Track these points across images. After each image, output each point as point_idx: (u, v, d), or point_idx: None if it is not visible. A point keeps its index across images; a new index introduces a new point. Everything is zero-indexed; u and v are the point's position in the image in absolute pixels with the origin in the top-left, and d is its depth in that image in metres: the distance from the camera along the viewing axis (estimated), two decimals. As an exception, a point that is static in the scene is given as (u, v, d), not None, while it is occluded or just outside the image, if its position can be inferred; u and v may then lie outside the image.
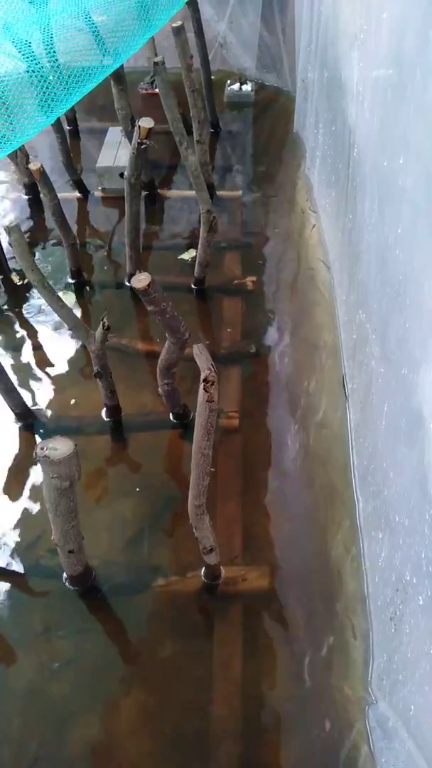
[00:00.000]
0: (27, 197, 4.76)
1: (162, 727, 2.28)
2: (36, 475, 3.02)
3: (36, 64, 2.41)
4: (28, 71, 2.38)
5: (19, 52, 2.49)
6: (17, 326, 3.82)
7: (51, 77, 2.47)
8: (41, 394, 3.41)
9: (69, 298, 3.93)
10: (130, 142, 3.44)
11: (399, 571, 2.01)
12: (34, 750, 2.23)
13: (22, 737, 2.26)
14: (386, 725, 2.10)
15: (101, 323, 2.74)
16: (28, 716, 2.31)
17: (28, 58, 2.47)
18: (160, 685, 2.39)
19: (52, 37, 2.73)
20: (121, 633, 2.55)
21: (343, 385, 3.25)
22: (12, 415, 3.23)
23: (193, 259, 3.95)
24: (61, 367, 3.56)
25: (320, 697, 2.34)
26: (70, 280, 4.06)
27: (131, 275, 3.84)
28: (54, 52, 2.63)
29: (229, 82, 5.89)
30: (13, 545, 2.77)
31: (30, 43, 2.60)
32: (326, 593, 2.60)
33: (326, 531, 2.81)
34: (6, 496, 2.96)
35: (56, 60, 2.62)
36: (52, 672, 2.41)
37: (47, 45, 2.69)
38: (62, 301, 2.99)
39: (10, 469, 3.07)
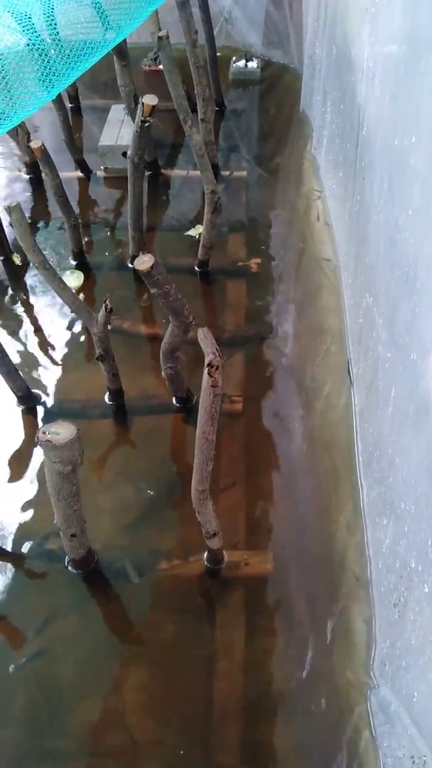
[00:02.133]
0: (28, 176, 4.69)
1: (164, 710, 2.29)
2: (38, 458, 3.01)
3: (36, 37, 2.34)
4: (28, 45, 2.31)
5: (19, 25, 2.42)
6: (19, 308, 3.78)
7: (52, 51, 2.40)
8: (43, 377, 3.38)
9: (77, 278, 3.90)
10: (134, 120, 3.37)
11: (403, 558, 2.00)
12: (36, 732, 2.25)
13: (24, 719, 2.27)
14: (388, 710, 2.11)
15: (104, 305, 2.70)
16: (30, 698, 2.32)
17: (28, 31, 2.40)
18: (163, 668, 2.39)
19: (53, 10, 2.65)
20: (124, 616, 2.55)
21: (348, 370, 3.21)
22: (14, 398, 3.21)
23: (200, 235, 3.90)
24: (63, 349, 3.53)
25: (322, 680, 2.34)
26: (72, 262, 4.01)
27: (134, 257, 3.79)
28: (55, 25, 2.55)
29: (234, 58, 5.76)
30: (15, 529, 2.77)
31: (30, 15, 2.53)
32: (329, 578, 2.60)
33: (330, 516, 2.79)
34: (8, 480, 2.95)
35: (57, 34, 2.55)
36: (54, 655, 2.42)
37: (48, 18, 2.61)
38: (64, 282, 2.95)
39: (12, 453, 3.06)
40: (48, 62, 2.34)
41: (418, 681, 1.86)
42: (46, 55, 2.35)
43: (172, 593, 2.58)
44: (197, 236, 4.07)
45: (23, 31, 2.41)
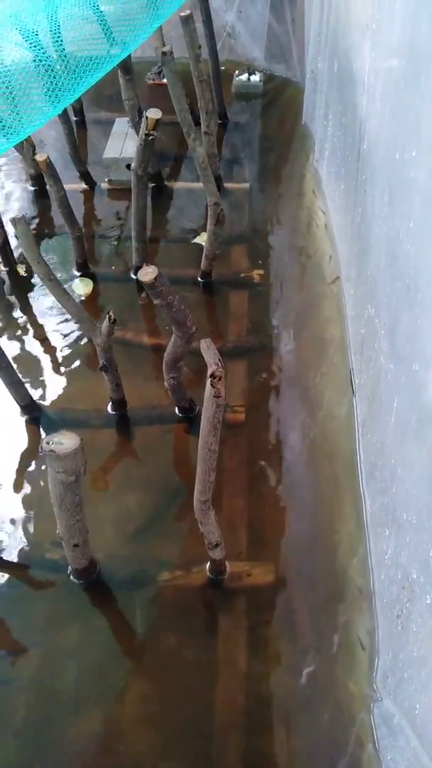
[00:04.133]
0: (33, 189, 4.74)
1: (166, 721, 2.28)
2: (41, 468, 3.02)
3: (43, 53, 2.38)
4: (35, 61, 2.35)
5: (26, 41, 2.46)
6: (23, 319, 3.81)
7: (58, 67, 2.44)
8: (47, 387, 3.40)
9: (87, 285, 3.93)
10: (137, 133, 3.41)
11: (405, 569, 1.99)
12: (38, 742, 2.24)
13: (26, 729, 2.26)
14: (391, 722, 2.09)
15: (107, 316, 2.72)
16: (32, 708, 2.31)
17: (35, 47, 2.44)
18: (164, 679, 2.38)
19: (59, 27, 2.70)
20: (126, 626, 2.55)
21: (351, 380, 3.22)
22: (18, 408, 3.23)
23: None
24: (66, 360, 3.55)
25: (325, 692, 2.33)
26: (76, 273, 4.04)
27: (138, 268, 3.82)
28: (61, 41, 2.60)
29: (237, 72, 5.83)
30: (18, 538, 2.77)
31: (37, 32, 2.57)
32: (332, 589, 2.59)
33: (332, 527, 2.79)
34: (11, 490, 2.95)
35: (63, 50, 2.59)
36: (56, 665, 2.42)
37: (54, 34, 2.66)
38: (68, 293, 2.97)
39: (16, 463, 3.06)
40: (54, 78, 2.38)
41: (420, 693, 1.85)
42: (52, 70, 2.39)
43: (174, 604, 2.57)
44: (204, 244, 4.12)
45: (30, 47, 2.45)
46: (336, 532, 2.76)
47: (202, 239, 4.18)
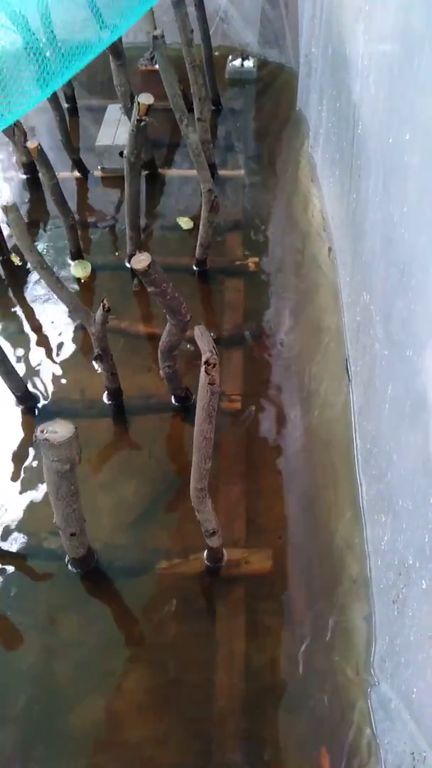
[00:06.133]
0: (25, 177, 4.69)
1: (165, 709, 2.30)
2: (37, 458, 3.01)
3: (32, 36, 2.34)
4: (23, 44, 2.31)
5: (15, 24, 2.42)
6: (17, 308, 3.78)
7: (47, 51, 2.40)
8: (42, 377, 3.38)
9: (85, 268, 3.92)
10: (130, 119, 3.37)
11: (402, 555, 2.00)
12: (37, 731, 2.25)
13: (25, 718, 2.28)
14: (388, 706, 2.11)
15: (101, 305, 2.71)
16: (31, 697, 2.33)
17: (23, 30, 2.40)
18: (163, 666, 2.40)
19: (48, 9, 2.65)
20: (124, 615, 2.56)
21: (347, 368, 3.22)
22: (13, 398, 3.21)
23: (190, 229, 3.95)
24: (61, 349, 3.53)
25: (323, 678, 2.35)
26: (70, 261, 4.01)
27: (131, 256, 3.79)
28: (50, 24, 2.55)
29: (230, 57, 5.76)
30: (15, 528, 2.77)
31: (26, 15, 2.53)
32: (329, 576, 2.60)
33: (329, 514, 2.80)
34: (7, 479, 2.95)
35: (52, 33, 2.55)
36: (55, 654, 2.43)
37: (43, 17, 2.61)
38: (61, 282, 2.95)
39: (11, 452, 3.06)
40: (43, 61, 2.34)
41: (417, 677, 1.87)
42: (41, 54, 2.35)
43: (172, 592, 2.58)
44: (186, 228, 4.18)
45: (19, 30, 2.41)
46: (333, 518, 2.77)
47: (183, 222, 4.21)
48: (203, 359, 1.89)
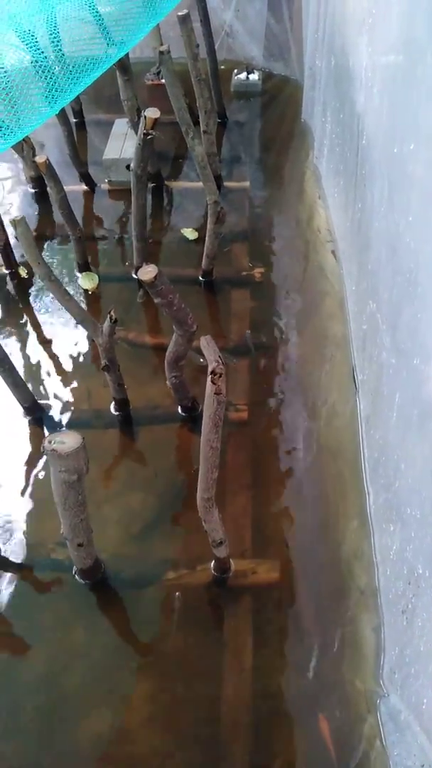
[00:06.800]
0: (33, 191, 4.75)
1: (173, 721, 2.28)
2: (45, 469, 3.02)
3: (40, 54, 2.38)
4: (32, 62, 2.35)
5: (23, 42, 2.46)
6: (25, 320, 3.81)
7: (55, 68, 2.44)
8: (49, 388, 3.40)
9: (92, 279, 3.96)
10: (137, 133, 3.41)
11: (411, 564, 1.99)
12: (44, 743, 2.24)
13: (32, 730, 2.27)
14: (398, 718, 2.09)
15: (109, 316, 2.73)
16: (38, 709, 2.32)
17: (32, 48, 2.45)
18: (171, 678, 2.38)
19: (56, 28, 2.70)
20: (131, 626, 2.55)
21: (354, 377, 3.22)
22: (21, 409, 3.23)
23: (195, 239, 4.00)
24: (69, 360, 3.56)
25: (331, 689, 2.32)
26: (78, 273, 4.04)
27: (138, 267, 3.81)
28: (59, 41, 2.60)
29: (236, 71, 5.82)
30: (22, 538, 2.78)
31: (34, 33, 2.57)
32: (337, 586, 2.59)
33: (337, 523, 2.79)
34: (15, 490, 2.96)
35: (61, 50, 2.59)
36: (63, 665, 2.42)
37: (52, 35, 2.66)
38: (69, 294, 2.98)
39: (19, 463, 3.07)
40: (51, 78, 2.38)
41: (427, 688, 1.84)
42: (49, 71, 2.39)
43: (179, 602, 2.57)
44: (192, 239, 4.22)
45: (27, 48, 2.46)
46: (341, 528, 2.76)
47: (188, 233, 4.26)
48: (210, 369, 1.90)
